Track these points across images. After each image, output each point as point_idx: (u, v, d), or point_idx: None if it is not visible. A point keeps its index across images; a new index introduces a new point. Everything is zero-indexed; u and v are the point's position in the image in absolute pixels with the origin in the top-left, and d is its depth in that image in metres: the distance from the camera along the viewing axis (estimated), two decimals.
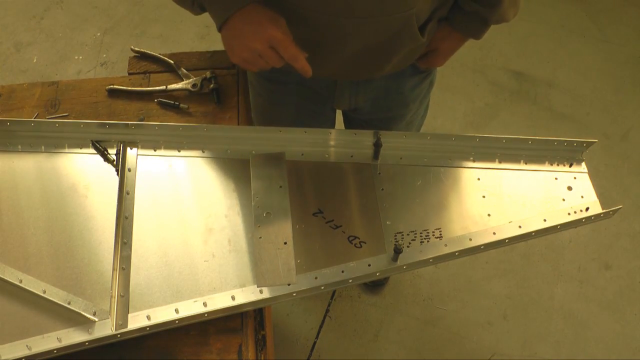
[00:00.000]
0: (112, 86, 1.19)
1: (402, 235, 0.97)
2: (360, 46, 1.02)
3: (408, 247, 0.96)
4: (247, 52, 0.93)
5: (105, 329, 0.88)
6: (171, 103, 1.16)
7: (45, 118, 1.14)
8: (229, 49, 0.95)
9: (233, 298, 0.91)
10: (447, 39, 1.11)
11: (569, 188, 1.04)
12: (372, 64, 1.09)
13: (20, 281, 0.92)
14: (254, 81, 1.24)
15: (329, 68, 1.11)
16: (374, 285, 2.04)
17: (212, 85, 1.19)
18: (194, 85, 1.18)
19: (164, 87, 1.19)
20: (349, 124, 1.39)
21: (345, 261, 0.95)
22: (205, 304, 0.91)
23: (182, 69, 1.22)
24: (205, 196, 1.02)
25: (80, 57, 2.64)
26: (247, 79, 1.26)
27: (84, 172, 1.04)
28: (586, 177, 1.05)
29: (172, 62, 1.23)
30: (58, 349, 0.86)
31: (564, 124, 2.43)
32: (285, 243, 0.96)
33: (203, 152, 1.06)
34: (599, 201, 1.02)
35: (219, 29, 0.95)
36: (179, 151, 1.06)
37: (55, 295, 0.91)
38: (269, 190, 1.01)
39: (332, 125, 1.39)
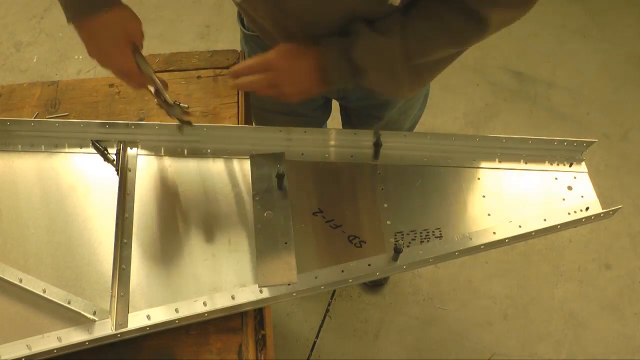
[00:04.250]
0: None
1: (402, 235, 0.97)
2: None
3: (408, 246, 0.96)
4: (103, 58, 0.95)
5: (105, 328, 0.88)
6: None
7: (45, 118, 1.14)
8: (86, 44, 0.94)
9: (233, 298, 0.91)
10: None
11: (569, 188, 1.04)
12: None
13: (20, 280, 0.92)
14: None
15: None
16: (374, 285, 2.04)
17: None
18: None
19: None
20: (345, 110, 1.40)
21: (345, 261, 0.95)
22: (205, 304, 0.91)
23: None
24: (205, 196, 1.02)
25: (80, 57, 2.64)
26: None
27: (84, 172, 1.04)
28: (586, 176, 1.05)
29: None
30: (58, 349, 0.86)
31: (564, 123, 2.43)
32: (286, 243, 0.96)
33: (203, 152, 1.06)
34: (599, 201, 1.02)
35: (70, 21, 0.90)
36: (179, 151, 1.06)
37: (55, 294, 0.91)
38: (269, 190, 1.01)
39: (327, 113, 1.39)
